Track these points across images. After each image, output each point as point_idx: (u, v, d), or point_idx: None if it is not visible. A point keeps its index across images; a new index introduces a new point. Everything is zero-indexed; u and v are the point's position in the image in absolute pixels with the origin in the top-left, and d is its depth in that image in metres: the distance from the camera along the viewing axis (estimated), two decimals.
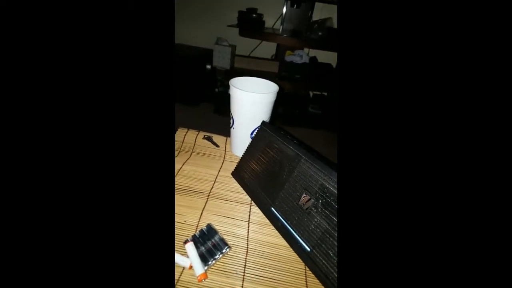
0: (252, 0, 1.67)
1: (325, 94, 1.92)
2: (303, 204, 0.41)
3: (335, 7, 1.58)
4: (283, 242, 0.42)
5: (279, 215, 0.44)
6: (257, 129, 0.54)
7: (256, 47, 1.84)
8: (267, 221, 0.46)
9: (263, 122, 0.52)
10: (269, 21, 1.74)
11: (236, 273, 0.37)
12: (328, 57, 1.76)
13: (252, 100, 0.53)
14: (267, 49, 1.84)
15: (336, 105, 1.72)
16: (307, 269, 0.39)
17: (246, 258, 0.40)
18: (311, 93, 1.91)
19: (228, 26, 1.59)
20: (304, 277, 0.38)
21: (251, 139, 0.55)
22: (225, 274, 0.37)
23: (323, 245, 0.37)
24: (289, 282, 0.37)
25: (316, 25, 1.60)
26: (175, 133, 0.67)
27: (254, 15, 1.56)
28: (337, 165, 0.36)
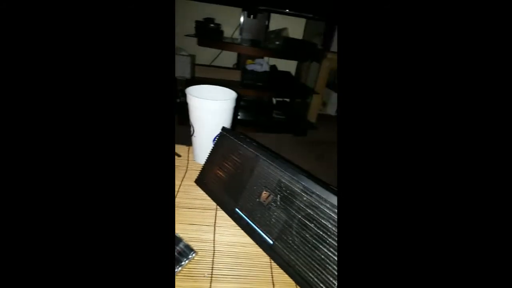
0: (209, 10, 1.70)
1: (287, 100, 2.01)
2: (264, 201, 0.43)
3: (290, 18, 1.69)
4: (248, 240, 0.44)
5: (243, 214, 0.46)
6: (218, 135, 0.55)
7: (217, 57, 1.86)
8: (232, 222, 0.47)
9: (223, 128, 0.55)
10: (228, 31, 1.79)
11: (204, 276, 0.38)
12: (287, 66, 1.86)
13: (209, 107, 0.55)
14: (228, 58, 1.88)
15: (299, 111, 1.82)
16: (272, 261, 0.41)
17: (213, 260, 0.41)
18: (274, 100, 1.99)
19: (186, 35, 1.59)
20: (270, 269, 0.40)
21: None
22: (192, 278, 0.38)
23: (284, 236, 0.39)
24: (256, 276, 0.39)
25: (273, 35, 1.69)
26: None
27: (212, 24, 1.59)
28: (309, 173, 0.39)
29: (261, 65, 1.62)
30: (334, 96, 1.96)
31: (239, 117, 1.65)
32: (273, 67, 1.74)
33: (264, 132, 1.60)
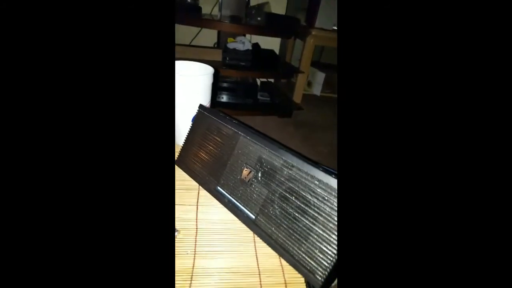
0: None
1: (272, 81, 1.98)
2: (245, 177, 0.43)
3: None
4: (231, 216, 0.44)
5: (225, 192, 0.45)
6: (195, 114, 0.53)
7: (196, 35, 1.77)
8: (215, 201, 0.47)
9: (201, 106, 0.52)
10: (206, 8, 1.69)
11: (187, 253, 0.38)
12: (270, 43, 1.81)
13: (185, 84, 0.52)
14: (209, 37, 1.79)
15: (284, 92, 1.79)
16: (255, 235, 0.41)
17: (196, 238, 0.40)
18: (258, 81, 1.95)
19: None
20: (253, 243, 0.41)
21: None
22: (177, 256, 0.37)
23: (265, 210, 0.40)
24: (239, 251, 0.39)
25: (254, 10, 1.62)
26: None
27: (189, 0, 1.49)
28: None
29: (243, 43, 1.56)
30: (319, 75, 1.95)
31: (223, 100, 1.61)
32: (255, 45, 1.68)
33: (249, 115, 1.58)
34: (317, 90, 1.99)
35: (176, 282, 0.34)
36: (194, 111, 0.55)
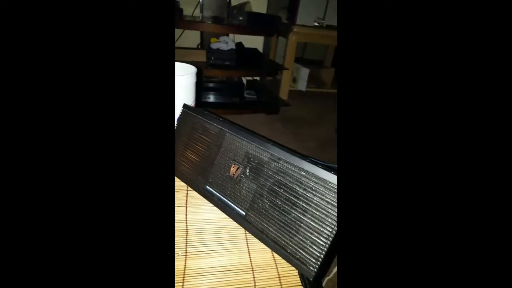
0: None
1: (258, 79, 1.98)
2: (233, 174, 0.42)
3: None
4: (221, 215, 0.43)
5: (214, 190, 0.44)
6: (180, 113, 0.52)
7: (179, 37, 1.75)
8: (205, 201, 0.46)
9: (185, 106, 0.51)
10: (188, 9, 1.67)
11: (178, 255, 0.37)
12: (253, 42, 1.81)
13: None
14: (192, 38, 1.77)
15: (270, 89, 1.80)
16: (247, 232, 0.41)
17: (186, 240, 0.40)
18: (244, 80, 1.94)
19: None
20: (245, 240, 0.40)
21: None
22: None
23: (255, 206, 0.39)
24: (231, 249, 0.39)
25: (235, 10, 1.61)
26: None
27: None
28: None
29: (226, 42, 1.55)
30: (303, 71, 1.97)
31: (210, 100, 1.59)
32: (239, 44, 1.68)
33: (237, 113, 1.58)
34: (302, 85, 2.00)
35: None
36: (178, 111, 0.54)
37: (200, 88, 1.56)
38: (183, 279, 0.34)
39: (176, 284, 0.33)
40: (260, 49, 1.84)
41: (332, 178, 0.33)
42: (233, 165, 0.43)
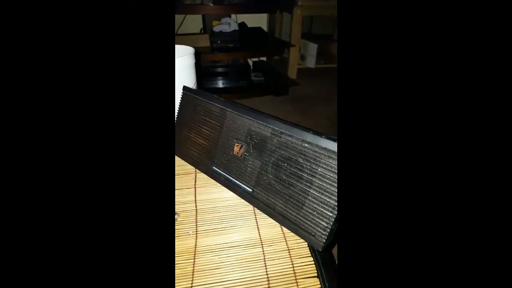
0: None
1: (264, 59, 1.92)
2: (237, 153, 0.42)
3: None
4: (229, 193, 0.44)
5: (220, 170, 0.45)
6: (181, 96, 0.52)
7: (181, 24, 1.72)
8: (213, 181, 0.47)
9: (185, 88, 0.51)
10: None
11: (189, 234, 0.38)
12: (256, 21, 1.74)
13: None
14: (194, 23, 1.73)
15: (278, 69, 1.74)
16: (255, 208, 0.41)
17: (196, 219, 0.41)
18: (250, 61, 1.89)
19: None
20: (254, 216, 0.41)
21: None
22: (178, 238, 0.38)
23: (261, 182, 0.39)
24: (240, 225, 0.39)
25: None
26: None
27: None
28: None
29: (229, 24, 1.50)
30: (311, 47, 1.88)
31: (216, 85, 1.58)
32: (242, 25, 1.62)
33: (245, 97, 1.55)
34: (311, 62, 1.92)
35: (179, 262, 0.34)
36: (179, 94, 0.53)
37: (203, 71, 1.53)
38: (194, 256, 0.35)
39: (187, 261, 0.34)
40: (265, 28, 1.76)
41: (335, 147, 0.31)
42: (236, 144, 0.42)
